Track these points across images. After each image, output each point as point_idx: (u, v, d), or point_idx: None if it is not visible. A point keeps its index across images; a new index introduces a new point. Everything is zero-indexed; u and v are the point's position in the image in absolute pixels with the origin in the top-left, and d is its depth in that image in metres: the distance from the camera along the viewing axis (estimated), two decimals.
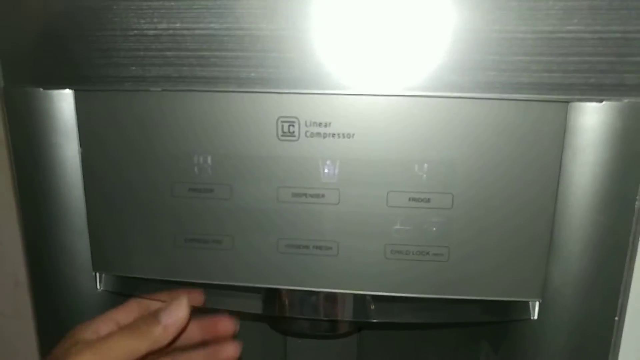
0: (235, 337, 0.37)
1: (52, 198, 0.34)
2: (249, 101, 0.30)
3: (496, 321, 0.35)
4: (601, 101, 0.28)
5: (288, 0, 0.28)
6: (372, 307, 0.33)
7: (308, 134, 0.30)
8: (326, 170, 0.31)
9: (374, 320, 0.33)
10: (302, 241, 0.32)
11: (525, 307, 0.32)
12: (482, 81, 0.28)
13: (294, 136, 0.30)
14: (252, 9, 0.28)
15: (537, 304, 0.31)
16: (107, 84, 0.30)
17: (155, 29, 0.29)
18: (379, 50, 0.28)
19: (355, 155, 0.30)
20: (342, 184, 0.31)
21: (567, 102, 0.28)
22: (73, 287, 0.35)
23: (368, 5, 0.27)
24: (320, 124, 0.30)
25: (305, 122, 0.30)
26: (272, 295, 0.35)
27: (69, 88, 0.32)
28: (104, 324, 0.32)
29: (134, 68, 0.30)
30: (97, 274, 0.35)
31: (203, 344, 0.37)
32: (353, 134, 0.30)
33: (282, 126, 0.30)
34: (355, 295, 0.33)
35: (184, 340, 0.35)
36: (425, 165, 0.30)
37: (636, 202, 0.29)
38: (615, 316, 0.31)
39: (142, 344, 0.30)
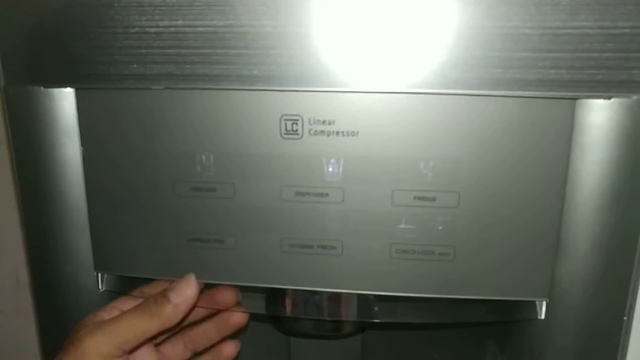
0: (238, 304, 0.36)
1: (53, 197, 0.33)
2: (252, 99, 0.30)
3: (503, 321, 0.35)
4: (609, 98, 0.27)
5: None
6: (376, 308, 0.33)
7: (312, 132, 0.30)
8: (330, 169, 0.30)
9: (379, 321, 0.33)
10: (305, 240, 0.31)
11: (532, 306, 0.31)
12: (487, 78, 0.27)
13: (298, 134, 0.30)
14: (254, 6, 0.28)
15: (544, 303, 0.31)
16: (108, 82, 0.30)
17: (157, 27, 0.29)
18: (383, 47, 0.28)
19: (360, 153, 0.30)
20: (346, 182, 0.30)
21: (575, 99, 0.28)
22: (74, 287, 0.35)
23: (372, 2, 0.27)
24: (324, 122, 0.30)
25: (309, 120, 0.30)
26: (275, 296, 0.35)
27: (70, 86, 0.31)
28: (108, 314, 0.32)
29: (135, 66, 0.30)
30: (99, 274, 0.35)
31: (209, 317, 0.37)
32: (357, 132, 0.29)
33: (286, 124, 0.30)
34: (359, 295, 0.33)
35: (191, 318, 0.35)
36: (431, 163, 0.29)
37: None
38: (623, 316, 0.30)
39: (153, 324, 0.30)
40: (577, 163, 0.29)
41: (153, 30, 0.29)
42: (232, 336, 0.37)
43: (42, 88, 0.31)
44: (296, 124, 0.30)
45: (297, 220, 0.31)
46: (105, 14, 0.29)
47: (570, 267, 0.30)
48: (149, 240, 0.33)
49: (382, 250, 0.31)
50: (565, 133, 0.28)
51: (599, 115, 0.28)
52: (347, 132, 0.30)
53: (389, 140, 0.29)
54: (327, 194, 0.31)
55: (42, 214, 0.34)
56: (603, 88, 0.27)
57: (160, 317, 0.30)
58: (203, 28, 0.28)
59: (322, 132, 0.30)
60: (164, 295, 0.30)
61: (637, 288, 0.30)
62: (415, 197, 0.30)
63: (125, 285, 0.35)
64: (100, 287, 0.35)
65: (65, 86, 0.31)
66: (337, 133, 0.30)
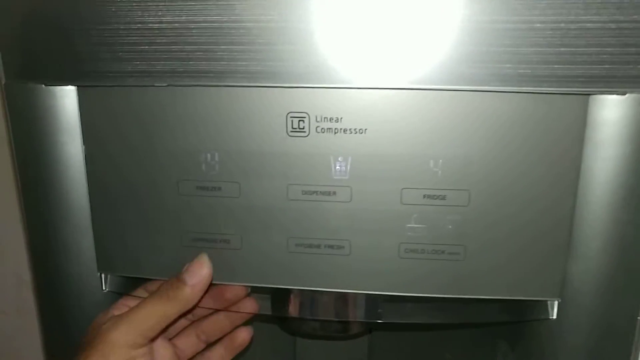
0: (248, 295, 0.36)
1: (55, 197, 0.33)
2: (258, 96, 0.29)
3: (514, 321, 0.34)
4: (624, 94, 0.27)
5: None
6: (385, 308, 0.32)
7: (319, 129, 0.29)
8: (337, 167, 0.30)
9: (388, 321, 0.32)
10: (312, 240, 0.31)
11: (543, 306, 0.31)
12: (498, 73, 0.27)
13: (304, 132, 0.29)
14: (259, 1, 0.27)
15: (556, 303, 0.30)
16: (110, 79, 0.30)
17: (160, 22, 0.28)
18: (391, 43, 0.27)
19: (368, 151, 0.29)
20: (354, 180, 0.30)
21: (588, 94, 0.27)
22: (77, 287, 0.35)
23: None
24: (331, 119, 0.29)
25: (316, 117, 0.29)
26: (282, 296, 0.34)
27: (72, 84, 0.31)
28: (119, 311, 0.32)
29: (138, 63, 0.29)
30: (102, 275, 0.34)
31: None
32: (365, 129, 0.29)
33: (292, 122, 0.29)
34: (368, 295, 0.32)
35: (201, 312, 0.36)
36: (441, 160, 0.29)
37: None
38: (637, 316, 0.30)
39: (173, 308, 0.30)
40: (589, 160, 0.28)
41: (156, 26, 0.28)
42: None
43: (43, 86, 0.31)
44: (303, 121, 0.29)
45: (304, 219, 0.31)
46: (107, 10, 0.28)
47: (582, 266, 0.30)
48: (153, 241, 0.33)
49: (391, 250, 0.30)
50: (578, 130, 0.28)
51: (612, 112, 0.27)
52: (355, 129, 0.29)
53: (397, 137, 0.29)
54: (334, 193, 0.30)
55: (44, 214, 0.33)
56: (617, 83, 0.27)
57: (179, 300, 0.30)
58: (207, 24, 0.28)
59: (329, 129, 0.29)
60: (179, 279, 0.31)
61: None
62: (424, 196, 0.29)
63: (129, 286, 0.35)
64: (103, 287, 0.35)
65: (67, 84, 0.31)
66: (345, 130, 0.29)
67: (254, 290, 0.35)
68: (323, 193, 0.30)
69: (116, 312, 0.32)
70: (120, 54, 0.29)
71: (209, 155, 0.31)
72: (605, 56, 0.26)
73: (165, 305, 0.30)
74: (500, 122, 0.28)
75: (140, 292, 0.35)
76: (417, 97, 0.28)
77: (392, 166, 0.29)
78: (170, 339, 0.35)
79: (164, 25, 0.28)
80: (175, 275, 0.31)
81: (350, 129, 0.29)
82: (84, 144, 0.32)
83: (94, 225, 0.33)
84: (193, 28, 0.28)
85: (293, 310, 0.34)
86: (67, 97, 0.31)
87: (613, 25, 0.26)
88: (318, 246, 0.31)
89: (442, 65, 0.27)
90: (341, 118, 0.29)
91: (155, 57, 0.29)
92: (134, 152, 0.31)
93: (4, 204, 0.56)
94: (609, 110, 0.27)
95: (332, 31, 0.27)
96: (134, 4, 0.28)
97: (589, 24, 0.26)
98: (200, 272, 0.31)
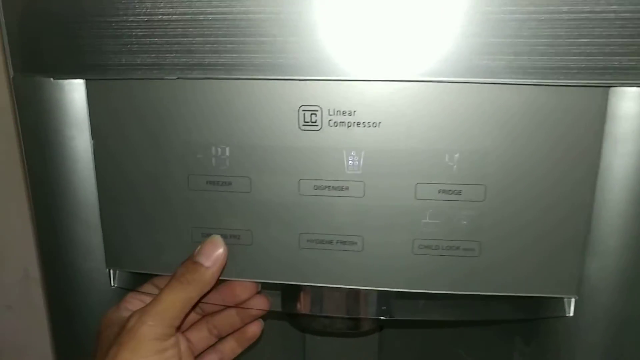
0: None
1: (64, 192, 0.33)
2: (269, 89, 0.29)
3: (530, 319, 0.33)
4: None
5: None
6: (398, 305, 0.32)
7: (331, 123, 0.29)
8: (350, 162, 0.29)
9: (401, 318, 0.32)
10: (324, 236, 0.30)
11: (560, 304, 0.30)
12: (515, 65, 0.26)
13: (317, 125, 0.29)
14: None
15: (572, 300, 0.30)
16: (119, 72, 0.29)
17: (170, 14, 0.28)
18: (406, 34, 0.26)
19: (381, 145, 0.29)
20: (367, 175, 0.29)
21: (608, 87, 0.27)
22: (86, 283, 0.35)
23: None
24: (344, 113, 0.29)
25: (328, 110, 0.29)
26: (293, 293, 0.34)
27: (80, 77, 0.31)
28: (131, 305, 0.33)
29: (147, 56, 0.29)
30: (111, 271, 0.34)
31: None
32: (379, 123, 0.28)
33: (304, 115, 0.29)
34: (380, 292, 0.32)
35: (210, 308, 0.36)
36: (456, 155, 0.28)
37: None
38: None
39: (194, 291, 0.30)
40: (609, 155, 0.28)
41: (166, 17, 0.28)
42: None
43: (51, 79, 0.31)
44: (315, 114, 0.29)
45: (316, 215, 0.30)
46: (115, 2, 0.28)
47: (600, 263, 0.29)
48: (162, 236, 0.32)
49: (405, 246, 0.30)
50: (598, 123, 0.27)
51: (634, 105, 0.27)
52: (369, 123, 0.28)
53: (412, 131, 0.28)
54: (347, 188, 0.30)
55: (53, 209, 0.33)
56: (638, 76, 0.26)
57: (198, 283, 0.30)
58: (218, 15, 0.27)
59: (342, 123, 0.29)
60: (194, 262, 0.30)
61: None
62: (439, 191, 0.29)
63: (138, 282, 0.35)
64: (112, 283, 0.34)
65: (76, 77, 0.31)
66: (358, 124, 0.29)
67: (265, 287, 0.34)
68: (335, 188, 0.30)
69: (129, 306, 0.32)
70: (129, 46, 0.29)
71: (219, 150, 0.30)
72: (626, 47, 0.26)
73: (186, 290, 0.30)
74: (517, 115, 0.27)
75: (148, 287, 0.34)
76: (432, 90, 0.27)
77: (406, 160, 0.29)
78: (183, 332, 0.35)
79: (173, 17, 0.28)
80: (187, 259, 0.31)
81: (363, 123, 0.28)
82: (92, 138, 0.32)
83: (102, 220, 0.33)
84: (203, 20, 0.28)
85: (304, 307, 0.34)
86: (75, 91, 0.31)
87: (634, 15, 0.25)
88: (330, 242, 0.30)
89: (458, 57, 0.26)
90: (354, 111, 0.28)
91: (165, 50, 0.28)
92: (143, 146, 0.31)
93: (12, 199, 0.56)
94: (630, 103, 0.27)
95: (345, 23, 0.27)
96: None
97: (609, 15, 0.25)
98: (214, 252, 0.31)
